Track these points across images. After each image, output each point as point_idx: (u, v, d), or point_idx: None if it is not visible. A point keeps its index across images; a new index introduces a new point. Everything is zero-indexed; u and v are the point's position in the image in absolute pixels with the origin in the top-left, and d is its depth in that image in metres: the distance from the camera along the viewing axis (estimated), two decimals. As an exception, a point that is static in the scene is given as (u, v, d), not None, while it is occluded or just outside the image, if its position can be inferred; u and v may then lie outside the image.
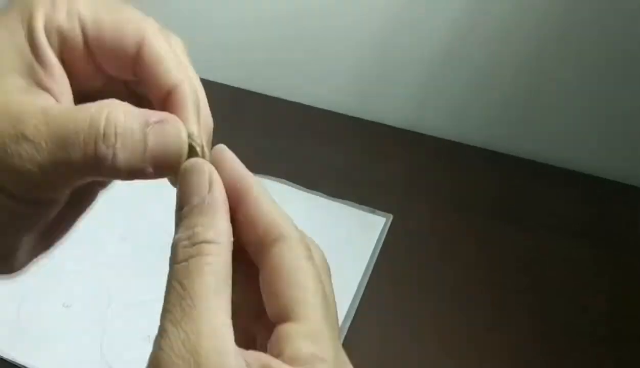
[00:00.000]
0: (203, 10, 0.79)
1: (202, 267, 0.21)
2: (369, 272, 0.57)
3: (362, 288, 0.55)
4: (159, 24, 0.26)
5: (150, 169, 0.23)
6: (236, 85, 0.81)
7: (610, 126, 0.70)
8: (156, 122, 0.23)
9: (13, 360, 0.48)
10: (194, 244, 0.21)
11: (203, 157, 0.24)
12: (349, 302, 0.54)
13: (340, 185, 0.66)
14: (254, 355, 0.20)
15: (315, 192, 0.65)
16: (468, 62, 0.72)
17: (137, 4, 0.88)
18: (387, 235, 0.61)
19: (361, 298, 0.55)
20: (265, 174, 0.66)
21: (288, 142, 0.72)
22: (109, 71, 0.25)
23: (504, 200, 0.67)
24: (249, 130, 0.74)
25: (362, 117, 0.77)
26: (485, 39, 0.69)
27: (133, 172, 0.23)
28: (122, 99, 0.23)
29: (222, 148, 0.25)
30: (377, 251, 0.59)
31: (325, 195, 0.65)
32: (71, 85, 0.25)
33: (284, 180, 0.66)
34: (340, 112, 0.78)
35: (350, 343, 0.51)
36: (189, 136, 0.24)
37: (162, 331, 0.20)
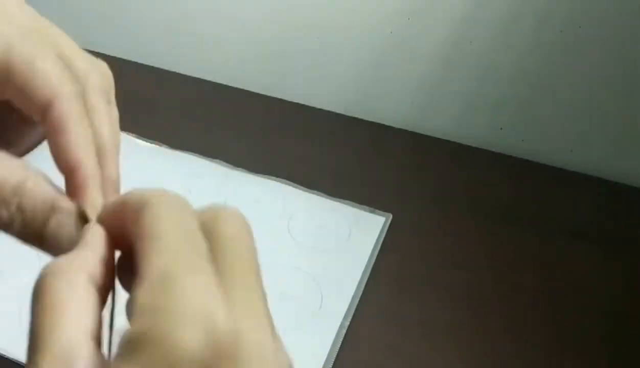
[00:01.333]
0: (203, 10, 0.80)
1: (43, 304, 0.20)
2: (368, 271, 0.57)
3: (362, 288, 0.56)
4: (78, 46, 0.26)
5: (46, 247, 0.23)
6: (236, 85, 0.81)
7: (619, 128, 0.71)
8: (62, 213, 0.23)
9: (16, 358, 0.49)
10: (38, 281, 0.20)
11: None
12: (348, 301, 0.54)
13: (340, 185, 0.66)
14: None
15: (315, 192, 0.65)
16: (469, 62, 0.72)
17: (140, 5, 0.88)
18: (386, 235, 0.61)
19: (360, 298, 0.55)
20: (265, 174, 0.67)
21: (288, 142, 0.73)
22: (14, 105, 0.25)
23: (504, 201, 0.67)
24: (249, 130, 0.74)
25: (362, 118, 0.77)
26: (487, 38, 0.70)
27: (27, 242, 0.23)
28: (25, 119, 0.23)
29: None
30: (377, 251, 0.59)
31: (325, 195, 0.65)
32: None
33: (284, 180, 0.66)
34: (340, 112, 0.78)
35: (350, 343, 0.51)
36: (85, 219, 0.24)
37: None
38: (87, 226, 0.23)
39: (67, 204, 0.23)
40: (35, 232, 0.22)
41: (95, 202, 0.24)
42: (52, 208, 0.22)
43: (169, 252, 0.19)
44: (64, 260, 0.21)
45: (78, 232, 0.23)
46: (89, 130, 0.25)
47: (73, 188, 0.24)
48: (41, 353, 0.18)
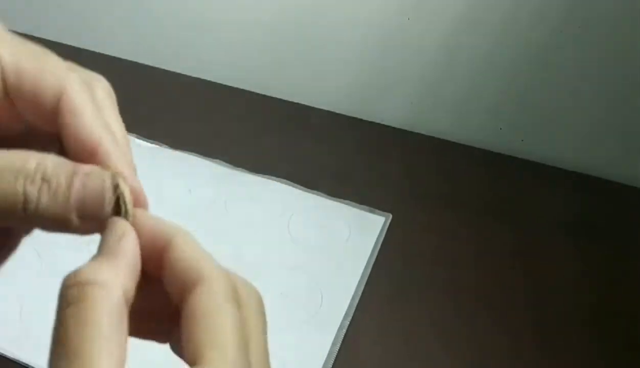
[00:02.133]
0: (203, 11, 0.80)
1: (82, 316, 0.19)
2: (368, 270, 0.58)
3: (362, 287, 0.56)
4: (83, 70, 0.26)
5: (75, 219, 0.22)
6: (236, 85, 0.82)
7: (609, 126, 0.71)
8: (84, 174, 0.23)
9: (17, 359, 0.49)
10: (76, 285, 0.20)
11: (126, 210, 0.23)
12: (348, 301, 0.55)
13: (340, 185, 0.66)
14: None
15: (315, 192, 0.65)
16: (468, 62, 0.72)
17: (140, 5, 0.88)
18: (386, 235, 0.61)
19: (360, 297, 0.55)
20: (265, 174, 0.67)
21: (288, 142, 0.73)
22: (30, 121, 0.25)
23: (503, 201, 0.67)
24: (249, 130, 0.75)
25: (362, 118, 0.78)
26: (487, 38, 0.70)
27: (57, 220, 0.22)
28: (45, 149, 0.23)
29: (142, 211, 0.24)
30: (376, 250, 0.60)
31: (325, 195, 0.65)
32: None
33: (284, 180, 0.66)
34: (340, 112, 0.78)
35: (349, 342, 0.52)
36: (114, 181, 0.23)
37: None
38: (123, 228, 0.23)
39: (88, 167, 0.23)
40: (62, 203, 0.22)
41: (122, 165, 0.24)
42: (75, 172, 0.22)
43: (231, 357, 0.20)
44: (104, 269, 0.21)
45: (109, 197, 0.23)
46: (102, 117, 0.25)
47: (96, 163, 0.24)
48: None
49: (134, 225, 0.23)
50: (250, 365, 0.21)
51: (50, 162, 0.22)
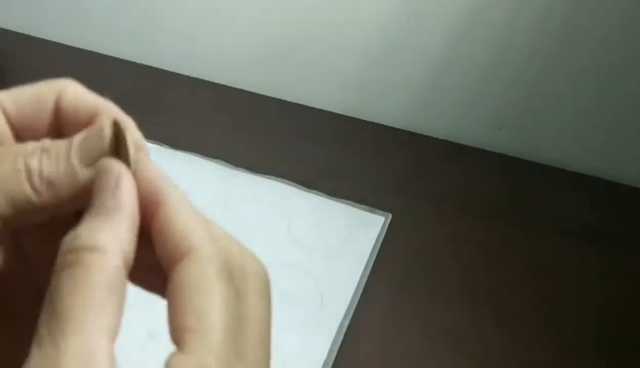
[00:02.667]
0: (203, 11, 0.80)
1: (77, 281, 0.18)
2: (368, 270, 0.58)
3: (361, 287, 0.56)
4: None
5: (81, 170, 0.21)
6: (236, 85, 0.82)
7: (618, 128, 0.71)
8: (84, 132, 0.22)
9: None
10: (74, 250, 0.19)
11: (126, 153, 0.22)
12: (348, 301, 0.55)
13: (340, 184, 0.66)
14: None
15: (315, 191, 0.65)
16: (468, 62, 0.72)
17: (141, 6, 0.88)
18: (386, 235, 0.61)
19: (360, 297, 0.55)
20: (265, 174, 0.67)
21: (288, 142, 0.73)
22: (29, 136, 0.25)
23: (503, 201, 0.67)
24: (250, 130, 0.75)
25: (362, 118, 0.78)
26: (486, 38, 0.70)
27: (65, 182, 0.21)
28: None
29: (143, 158, 0.23)
30: (376, 250, 0.60)
31: (325, 195, 0.65)
32: None
33: (284, 180, 0.66)
34: (340, 112, 0.78)
35: (349, 343, 0.52)
36: (115, 124, 0.22)
37: (29, 354, 0.18)
38: (118, 171, 0.21)
39: (88, 128, 0.22)
40: (65, 163, 0.21)
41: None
42: (74, 138, 0.22)
43: (214, 344, 0.19)
44: (103, 232, 0.19)
45: (107, 134, 0.22)
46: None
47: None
48: (65, 341, 0.17)
49: (134, 171, 0.22)
50: (242, 354, 0.20)
51: (47, 140, 0.22)
